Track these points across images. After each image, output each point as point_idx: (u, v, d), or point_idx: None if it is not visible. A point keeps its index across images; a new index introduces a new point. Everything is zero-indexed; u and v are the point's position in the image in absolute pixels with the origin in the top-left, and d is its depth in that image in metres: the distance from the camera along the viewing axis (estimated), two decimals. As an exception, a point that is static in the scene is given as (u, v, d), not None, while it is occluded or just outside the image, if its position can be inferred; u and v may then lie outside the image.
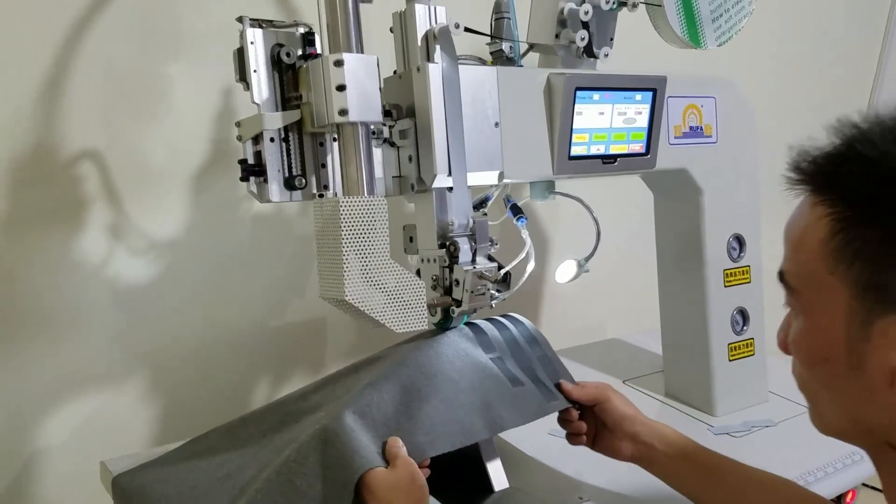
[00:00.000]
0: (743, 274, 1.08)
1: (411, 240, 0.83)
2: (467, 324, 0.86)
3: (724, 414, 1.07)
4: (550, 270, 1.16)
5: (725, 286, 1.07)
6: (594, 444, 0.82)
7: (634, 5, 0.92)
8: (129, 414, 1.07)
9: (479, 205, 0.97)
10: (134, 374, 1.07)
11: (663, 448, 0.77)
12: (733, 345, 1.08)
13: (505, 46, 0.89)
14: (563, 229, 1.49)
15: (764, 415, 1.08)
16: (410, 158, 0.79)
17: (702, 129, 1.03)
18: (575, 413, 0.82)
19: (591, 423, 0.82)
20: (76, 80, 0.95)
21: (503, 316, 0.89)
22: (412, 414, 0.72)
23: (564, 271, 1.07)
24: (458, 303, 0.78)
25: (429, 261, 0.81)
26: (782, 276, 0.56)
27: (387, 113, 0.77)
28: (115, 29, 0.96)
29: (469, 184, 0.80)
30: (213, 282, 1.11)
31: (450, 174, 0.78)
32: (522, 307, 1.50)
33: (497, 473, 0.84)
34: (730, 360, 1.08)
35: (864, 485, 1.85)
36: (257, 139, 0.74)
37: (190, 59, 1.02)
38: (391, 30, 0.81)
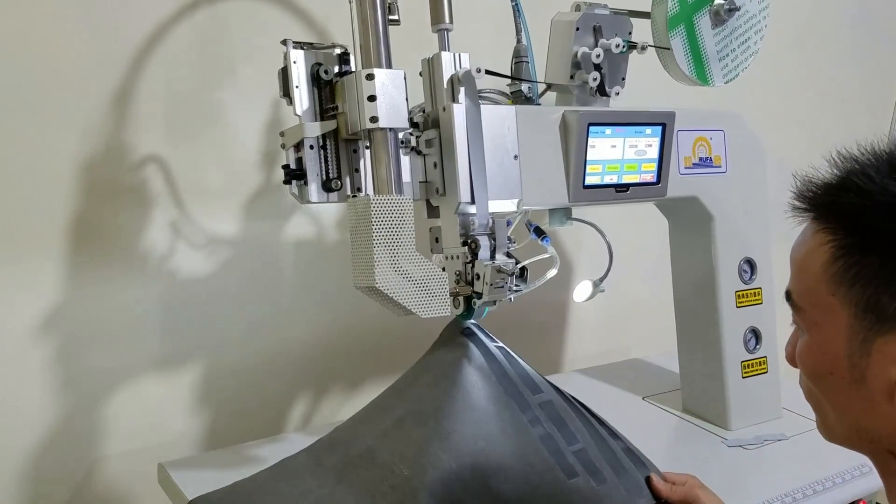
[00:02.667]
0: (755, 296, 1.15)
1: (437, 240, 0.92)
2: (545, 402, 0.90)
3: (739, 428, 1.13)
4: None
5: (738, 307, 1.13)
6: None
7: (643, 48, 1.00)
8: (182, 419, 1.17)
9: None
10: (186, 383, 1.17)
11: None
12: (746, 363, 1.14)
13: (524, 87, 0.99)
14: (587, 253, 1.56)
15: (777, 429, 1.13)
16: (435, 165, 0.88)
17: (711, 159, 1.10)
18: None
19: None
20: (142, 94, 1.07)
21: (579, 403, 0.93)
22: None
23: (581, 291, 1.15)
24: (480, 295, 0.87)
25: (453, 258, 0.89)
26: (789, 295, 0.61)
27: (414, 125, 0.88)
28: (174, 54, 1.08)
29: (490, 211, 0.89)
30: (261, 300, 1.21)
31: (472, 202, 0.87)
32: (551, 329, 1.57)
33: None
34: (743, 378, 1.13)
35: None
36: (299, 147, 0.85)
37: (239, 78, 1.13)
38: (420, 74, 0.91)
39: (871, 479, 1.02)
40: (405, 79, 0.82)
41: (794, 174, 0.60)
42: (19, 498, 1.07)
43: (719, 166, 1.11)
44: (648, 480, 0.86)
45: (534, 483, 0.82)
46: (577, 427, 0.89)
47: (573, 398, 0.93)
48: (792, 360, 0.63)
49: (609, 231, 1.15)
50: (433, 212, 0.94)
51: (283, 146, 0.86)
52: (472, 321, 0.94)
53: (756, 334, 1.15)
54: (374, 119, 0.79)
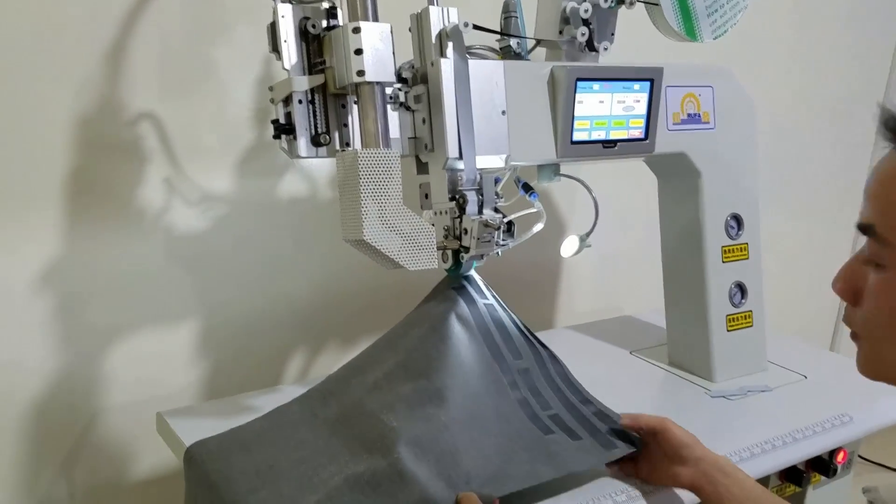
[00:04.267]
0: (741, 251, 1.16)
1: (426, 196, 0.94)
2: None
3: (723, 380, 1.15)
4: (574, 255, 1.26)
5: (724, 262, 1.15)
6: (649, 475, 0.86)
7: (631, 3, 1.00)
8: (180, 372, 1.20)
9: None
10: (184, 337, 1.19)
11: (721, 478, 0.80)
12: (731, 316, 1.16)
13: (513, 42, 0.99)
14: (579, 211, 1.57)
15: (762, 381, 1.16)
16: (424, 121, 0.89)
17: (700, 115, 1.11)
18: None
19: (647, 455, 0.87)
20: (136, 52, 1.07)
21: (542, 345, 0.97)
22: (478, 465, 0.80)
23: (568, 246, 1.16)
24: (467, 249, 0.89)
25: (441, 213, 0.91)
26: (869, 228, 0.59)
27: (403, 80, 0.89)
28: (167, 10, 1.08)
29: (478, 166, 0.90)
30: (256, 255, 1.23)
31: (460, 157, 0.88)
32: (544, 288, 1.59)
33: None
34: (728, 331, 1.16)
35: (860, 456, 1.90)
36: (287, 101, 0.85)
37: (232, 34, 1.13)
38: (410, 29, 0.91)
39: (851, 429, 1.05)
40: (392, 32, 0.82)
41: (880, 103, 0.58)
42: (21, 449, 1.10)
43: (707, 122, 1.12)
44: (616, 432, 0.89)
45: (513, 437, 0.86)
46: (549, 396, 0.93)
47: (552, 356, 0.96)
48: (848, 293, 0.62)
49: (602, 189, 1.16)
50: (422, 168, 0.95)
51: (272, 101, 0.87)
52: (469, 274, 0.96)
53: (742, 289, 1.17)
54: (360, 73, 0.80)
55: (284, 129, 0.85)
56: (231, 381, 1.24)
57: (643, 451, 0.87)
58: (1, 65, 0.98)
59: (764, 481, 1.06)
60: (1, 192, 1.02)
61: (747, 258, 1.17)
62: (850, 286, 0.62)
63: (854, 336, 0.64)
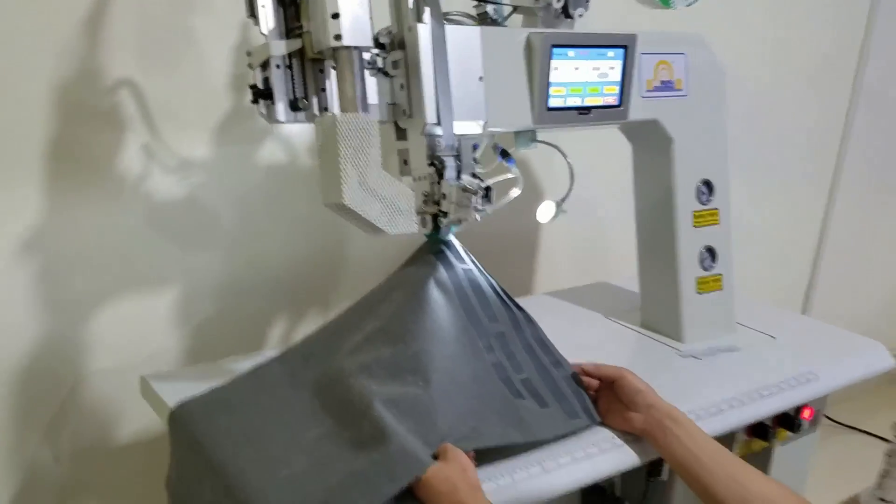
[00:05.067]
0: (711, 216, 1.19)
1: (405, 163, 0.95)
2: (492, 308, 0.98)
3: (693, 341, 1.19)
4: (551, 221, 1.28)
5: (694, 226, 1.18)
6: (605, 417, 0.92)
7: (606, -30, 1.02)
8: (163, 338, 1.22)
9: (469, 153, 1.09)
10: (166, 303, 1.21)
11: (671, 425, 0.85)
12: (702, 279, 1.19)
13: (489, 9, 1.00)
14: (559, 180, 1.59)
15: (730, 342, 1.19)
16: (402, 86, 0.90)
17: (672, 83, 1.13)
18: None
19: (605, 399, 0.93)
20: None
21: (518, 308, 1.00)
22: (453, 426, 0.83)
23: (544, 211, 1.19)
24: (445, 214, 0.91)
25: (420, 178, 0.93)
26: None
27: (381, 46, 0.90)
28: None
29: (456, 132, 0.91)
30: (237, 222, 1.24)
31: (438, 123, 0.90)
32: (523, 254, 1.62)
33: None
34: (698, 293, 1.19)
35: (827, 416, 1.94)
36: (265, 66, 0.86)
37: (209, 1, 1.13)
38: (386, -6, 0.92)
39: (817, 386, 1.09)
40: None
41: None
42: (5, 414, 1.11)
43: (680, 89, 1.14)
44: (577, 379, 0.95)
45: (486, 400, 0.89)
46: (523, 359, 0.97)
47: (527, 318, 0.99)
48: None
49: (581, 158, 1.18)
50: (401, 134, 0.97)
51: (250, 66, 0.88)
52: (448, 239, 0.99)
53: (712, 253, 1.20)
54: (337, 37, 0.81)
55: (263, 93, 0.86)
56: (215, 346, 1.26)
57: (602, 397, 0.94)
58: (-23, 30, 0.98)
59: (731, 436, 1.10)
60: (-20, 159, 1.02)
61: (717, 223, 1.20)
62: None
63: None
